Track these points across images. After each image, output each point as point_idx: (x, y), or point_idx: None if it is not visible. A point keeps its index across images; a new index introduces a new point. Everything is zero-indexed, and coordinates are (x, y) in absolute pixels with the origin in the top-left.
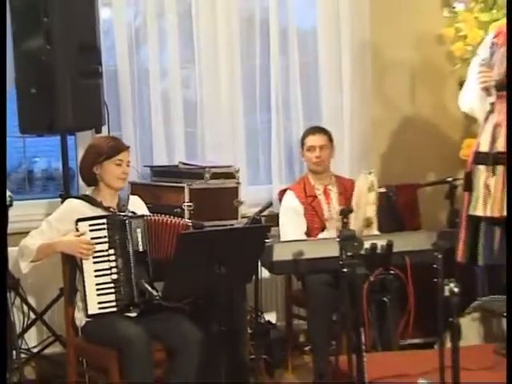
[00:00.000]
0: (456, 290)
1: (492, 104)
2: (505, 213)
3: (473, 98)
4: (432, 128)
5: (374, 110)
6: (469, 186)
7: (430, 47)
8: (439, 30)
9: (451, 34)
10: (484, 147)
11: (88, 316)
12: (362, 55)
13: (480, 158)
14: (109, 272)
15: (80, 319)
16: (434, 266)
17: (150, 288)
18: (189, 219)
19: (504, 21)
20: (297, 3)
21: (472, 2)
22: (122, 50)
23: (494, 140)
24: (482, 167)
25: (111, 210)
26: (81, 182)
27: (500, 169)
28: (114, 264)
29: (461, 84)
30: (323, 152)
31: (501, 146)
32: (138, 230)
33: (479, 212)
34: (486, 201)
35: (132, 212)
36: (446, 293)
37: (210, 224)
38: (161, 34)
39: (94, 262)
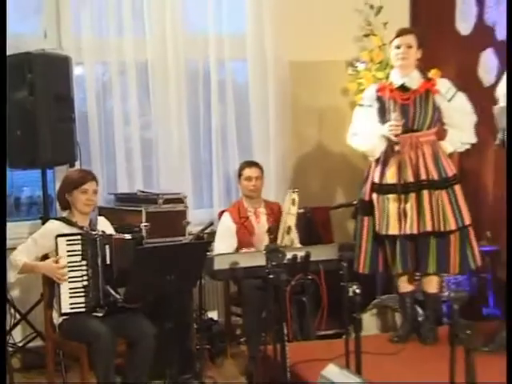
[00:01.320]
0: (358, 291)
1: (395, 145)
2: (426, 229)
3: (375, 140)
4: (340, 160)
5: (295, 146)
6: (369, 211)
7: (338, 97)
8: (345, 84)
9: (354, 87)
10: (391, 180)
11: (61, 314)
12: (283, 103)
13: (387, 188)
14: (80, 279)
15: (56, 318)
16: (341, 272)
17: (113, 292)
18: (146, 237)
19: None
20: (233, 62)
21: (370, 63)
22: (91, 100)
23: (399, 174)
24: (390, 196)
25: (84, 228)
26: (58, 207)
27: (412, 195)
28: (85, 273)
29: None
30: (257, 181)
31: (409, 178)
32: (106, 247)
33: (395, 231)
34: (400, 222)
35: (102, 231)
36: (350, 294)
37: (162, 240)
38: (123, 87)
39: (69, 271)
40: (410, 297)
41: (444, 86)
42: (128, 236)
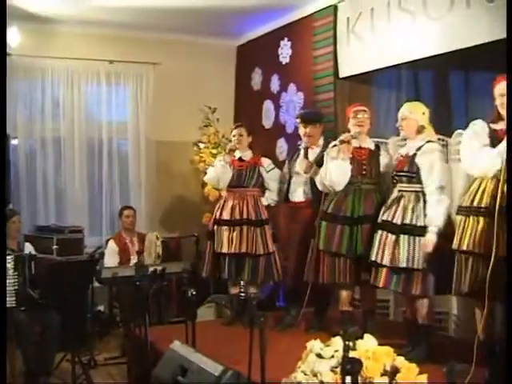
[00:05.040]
0: (194, 293)
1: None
2: (242, 250)
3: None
4: (187, 206)
5: (158, 196)
6: (211, 237)
7: (187, 165)
8: (191, 156)
9: (197, 159)
10: (227, 217)
11: None
12: (151, 167)
13: (223, 222)
14: (13, 284)
15: None
16: (184, 281)
17: (32, 293)
18: (56, 255)
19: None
20: (118, 140)
21: (208, 143)
22: (22, 162)
23: (232, 213)
24: (225, 227)
25: (15, 250)
26: None
27: (237, 228)
28: (16, 281)
29: (202, 185)
30: (132, 219)
31: (236, 216)
32: (32, 263)
33: (225, 250)
34: (229, 244)
35: (30, 252)
36: (189, 295)
37: (67, 258)
38: (44, 154)
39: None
40: (235, 296)
41: (266, 162)
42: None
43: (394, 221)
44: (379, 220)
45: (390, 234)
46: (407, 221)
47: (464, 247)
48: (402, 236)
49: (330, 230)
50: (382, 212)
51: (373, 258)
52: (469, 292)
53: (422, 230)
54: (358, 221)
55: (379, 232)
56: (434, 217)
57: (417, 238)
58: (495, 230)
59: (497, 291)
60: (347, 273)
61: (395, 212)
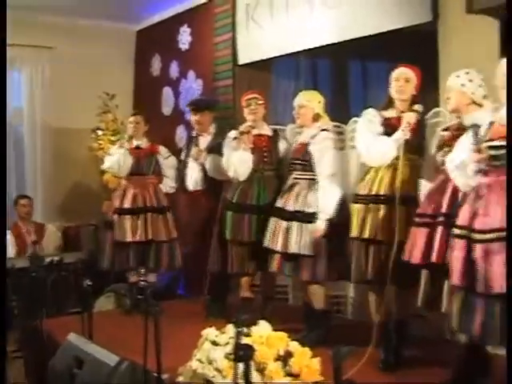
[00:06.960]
0: (89, 283)
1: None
2: (148, 237)
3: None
4: (85, 194)
5: (55, 183)
6: (113, 227)
7: (85, 152)
8: (91, 143)
9: (96, 146)
10: (128, 205)
11: None
12: (47, 154)
13: (125, 211)
14: None
15: None
16: (79, 271)
17: None
18: None
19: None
20: (16, 127)
21: (106, 130)
22: None
23: (134, 201)
24: (127, 216)
25: None
26: None
27: (142, 215)
28: None
29: (101, 172)
30: (29, 208)
31: (140, 204)
32: None
33: (130, 239)
34: (133, 233)
35: None
36: (85, 285)
37: None
38: None
39: None
40: (135, 285)
41: (163, 149)
42: None
43: (287, 208)
44: (274, 207)
45: (282, 221)
46: (298, 208)
47: (366, 235)
48: (293, 223)
49: (238, 219)
50: (278, 199)
51: (266, 244)
52: (372, 279)
53: (312, 217)
54: (264, 209)
55: (273, 218)
56: (325, 204)
57: (306, 225)
58: (397, 218)
59: (397, 276)
60: (256, 261)
61: (288, 199)
